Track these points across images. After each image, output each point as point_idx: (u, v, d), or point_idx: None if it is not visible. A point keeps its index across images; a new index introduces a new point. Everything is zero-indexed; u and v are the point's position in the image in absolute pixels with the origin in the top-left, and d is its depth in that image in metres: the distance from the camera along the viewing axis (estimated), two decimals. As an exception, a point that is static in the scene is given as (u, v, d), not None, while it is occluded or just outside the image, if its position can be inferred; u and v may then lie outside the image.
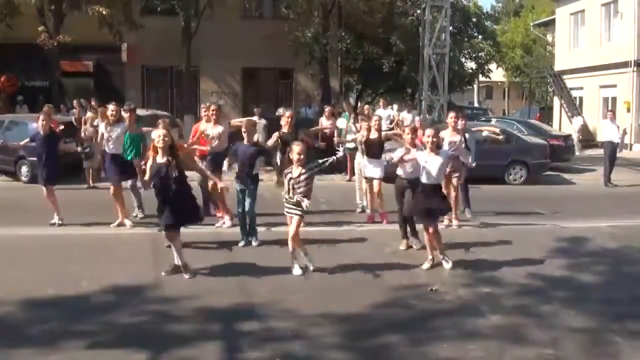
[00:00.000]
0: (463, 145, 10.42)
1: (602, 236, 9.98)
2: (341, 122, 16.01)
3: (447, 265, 8.01)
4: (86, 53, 24.57)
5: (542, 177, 16.69)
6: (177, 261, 7.46)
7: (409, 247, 8.94)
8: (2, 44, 21.52)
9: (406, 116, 19.87)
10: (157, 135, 7.33)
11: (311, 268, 7.66)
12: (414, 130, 8.73)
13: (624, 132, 21.35)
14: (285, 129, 10.24)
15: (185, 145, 9.91)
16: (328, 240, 9.26)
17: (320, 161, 7.73)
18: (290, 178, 7.47)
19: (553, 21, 34.72)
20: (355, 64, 30.14)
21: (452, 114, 10.87)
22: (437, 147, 7.95)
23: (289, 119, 10.32)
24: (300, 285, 7.14)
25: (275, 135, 10.18)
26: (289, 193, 7.47)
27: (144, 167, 7.43)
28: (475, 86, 48.66)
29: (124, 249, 8.75)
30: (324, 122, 16.65)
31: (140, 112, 18.90)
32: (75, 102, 18.74)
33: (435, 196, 7.93)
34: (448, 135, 10.39)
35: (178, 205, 7.24)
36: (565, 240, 9.66)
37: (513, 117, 30.05)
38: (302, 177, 7.41)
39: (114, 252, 8.60)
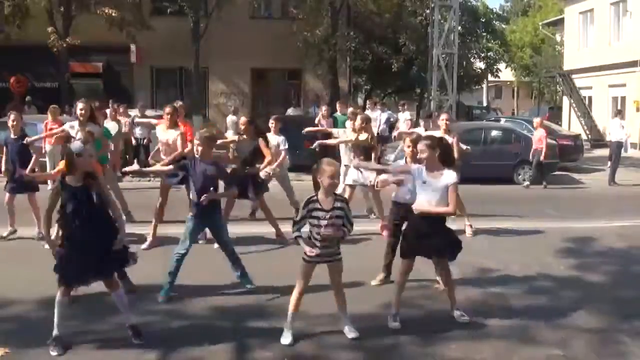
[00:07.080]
0: None
1: (611, 236, 9.96)
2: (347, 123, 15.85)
3: (463, 319, 6.12)
4: (95, 54, 24.80)
5: (551, 177, 16.64)
6: (55, 331, 5.35)
7: (382, 283, 7.30)
8: (12, 45, 21.69)
9: (371, 116, 17.87)
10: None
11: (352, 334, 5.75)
12: (415, 142, 6.47)
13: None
14: (244, 136, 8.99)
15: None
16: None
17: None
18: (318, 210, 5.36)
19: (562, 20, 34.63)
20: (364, 64, 30.22)
21: (444, 116, 9.92)
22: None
23: (246, 126, 8.96)
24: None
25: (235, 138, 9.16)
26: (317, 236, 5.45)
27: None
28: (484, 86, 48.61)
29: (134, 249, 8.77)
30: (322, 122, 16.65)
31: (150, 112, 19.05)
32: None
33: (437, 232, 5.90)
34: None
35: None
36: (574, 240, 9.65)
37: (523, 117, 29.97)
38: (338, 205, 5.43)
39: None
